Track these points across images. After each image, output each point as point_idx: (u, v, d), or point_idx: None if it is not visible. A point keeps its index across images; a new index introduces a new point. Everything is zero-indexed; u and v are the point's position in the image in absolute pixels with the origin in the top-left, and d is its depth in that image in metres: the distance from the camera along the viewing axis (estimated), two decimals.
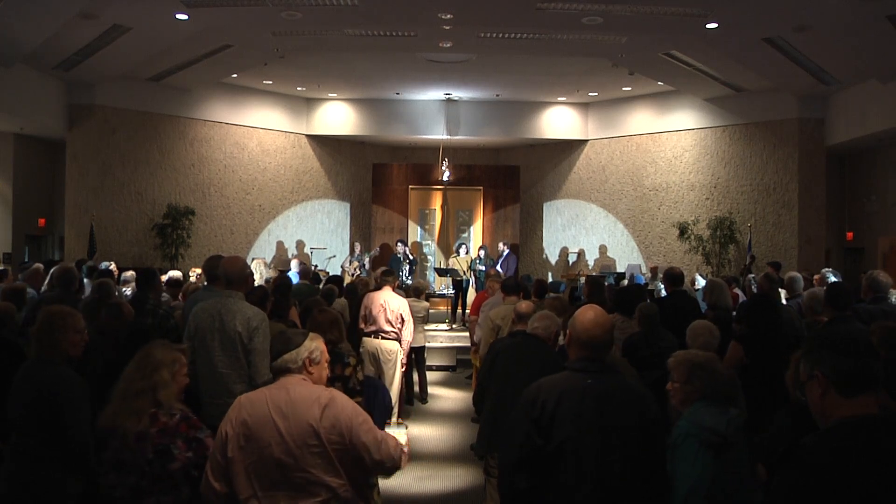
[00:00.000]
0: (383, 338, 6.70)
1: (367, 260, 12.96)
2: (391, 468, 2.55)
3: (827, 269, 6.98)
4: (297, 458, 2.41)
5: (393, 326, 6.70)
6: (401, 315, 6.75)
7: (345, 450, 2.44)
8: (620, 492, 2.49)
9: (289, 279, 7.04)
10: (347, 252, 15.25)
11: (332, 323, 3.95)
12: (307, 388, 2.53)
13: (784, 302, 6.53)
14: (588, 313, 2.70)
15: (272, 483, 2.42)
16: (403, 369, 6.99)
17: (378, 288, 7.07)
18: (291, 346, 2.57)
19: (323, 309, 4.29)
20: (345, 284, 8.55)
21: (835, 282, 5.72)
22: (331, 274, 11.63)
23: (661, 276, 11.21)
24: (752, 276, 8.88)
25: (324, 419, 2.43)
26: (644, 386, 3.16)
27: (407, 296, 7.86)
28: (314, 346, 2.61)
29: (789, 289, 6.87)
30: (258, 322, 3.72)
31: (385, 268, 7.96)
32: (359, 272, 12.33)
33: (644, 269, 13.46)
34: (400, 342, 6.75)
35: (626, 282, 10.31)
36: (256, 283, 5.69)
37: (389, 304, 6.73)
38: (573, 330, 2.69)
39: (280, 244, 14.65)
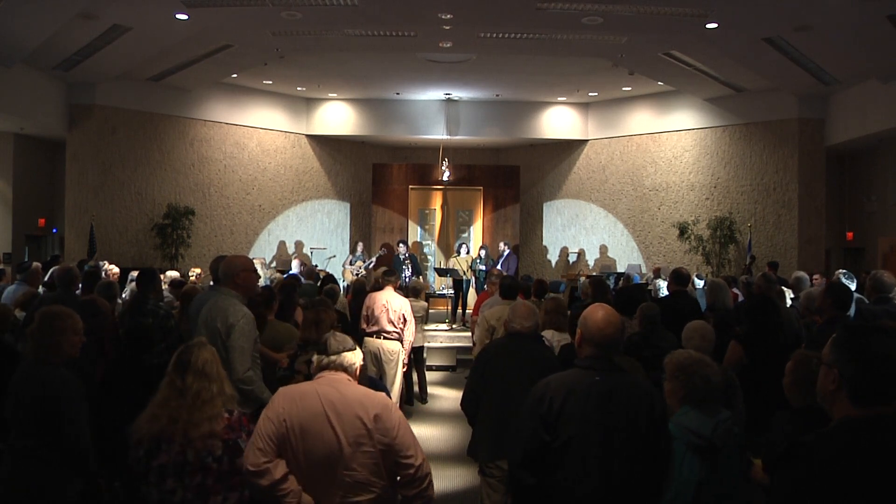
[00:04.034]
0: (385, 338, 6.69)
1: (373, 260, 12.93)
2: (426, 475, 2.57)
3: (841, 270, 6.90)
4: (346, 457, 2.45)
5: (395, 326, 6.70)
6: (403, 315, 6.75)
7: (389, 450, 2.50)
8: (624, 488, 2.51)
9: (297, 279, 7.04)
10: (348, 252, 15.27)
11: (315, 323, 3.93)
12: (357, 388, 2.60)
13: (789, 301, 6.50)
14: (599, 312, 2.71)
15: (317, 479, 2.45)
16: (405, 369, 6.99)
17: (380, 288, 7.07)
18: (350, 346, 2.68)
19: (317, 309, 4.26)
20: (347, 284, 8.54)
21: (837, 282, 5.70)
22: (328, 273, 11.64)
23: (663, 276, 11.24)
24: (744, 277, 8.86)
25: (377, 421, 2.49)
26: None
27: (405, 296, 7.84)
28: (361, 355, 2.74)
29: (795, 289, 6.85)
30: (235, 319, 3.70)
31: (386, 268, 7.96)
32: (362, 272, 12.32)
33: (644, 270, 13.46)
34: (402, 342, 6.75)
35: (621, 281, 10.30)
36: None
37: (392, 304, 6.73)
38: (584, 329, 2.71)
39: (282, 244, 14.65)
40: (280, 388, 2.67)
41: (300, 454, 2.45)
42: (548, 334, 5.01)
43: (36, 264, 6.93)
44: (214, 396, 2.71)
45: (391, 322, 6.68)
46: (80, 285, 6.07)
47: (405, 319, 6.76)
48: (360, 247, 13.46)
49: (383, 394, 2.65)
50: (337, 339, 2.70)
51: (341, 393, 2.53)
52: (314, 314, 4.01)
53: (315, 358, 2.69)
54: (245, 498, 2.68)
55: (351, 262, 13.04)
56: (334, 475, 2.45)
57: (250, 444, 2.48)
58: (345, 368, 2.63)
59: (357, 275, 11.87)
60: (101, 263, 9.09)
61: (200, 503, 2.63)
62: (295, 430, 2.45)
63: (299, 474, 2.46)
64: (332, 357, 2.63)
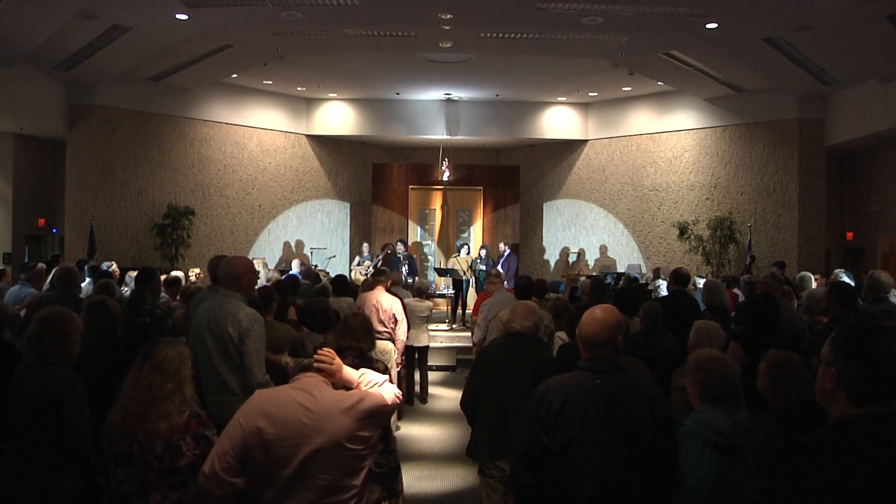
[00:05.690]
0: (376, 338, 6.65)
1: (380, 258, 12.87)
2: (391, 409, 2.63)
3: (840, 269, 6.92)
4: (323, 461, 2.39)
5: (386, 326, 6.66)
6: (393, 315, 6.72)
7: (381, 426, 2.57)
8: (625, 491, 2.50)
9: (296, 279, 7.04)
10: (348, 252, 15.27)
11: (366, 330, 3.82)
12: (332, 392, 2.52)
13: (797, 301, 6.49)
14: (593, 311, 2.71)
15: (291, 483, 2.39)
16: (398, 369, 6.96)
17: (371, 288, 7.05)
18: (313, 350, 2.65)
19: (357, 313, 4.16)
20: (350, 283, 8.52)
21: (841, 281, 5.70)
22: (332, 275, 11.61)
23: (663, 276, 11.24)
24: (746, 276, 8.85)
25: (359, 423, 2.45)
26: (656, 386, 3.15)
27: (410, 296, 7.85)
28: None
29: (799, 288, 6.86)
30: (248, 324, 3.69)
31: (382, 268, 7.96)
32: (371, 271, 12.27)
33: (644, 269, 13.46)
34: (394, 342, 6.73)
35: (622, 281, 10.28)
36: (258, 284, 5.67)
37: (382, 303, 6.71)
38: (577, 330, 2.72)
39: (286, 245, 14.65)
40: (256, 392, 2.60)
41: (272, 461, 2.38)
42: (562, 334, 5.01)
43: (41, 265, 6.88)
44: (168, 394, 2.71)
45: (381, 322, 6.65)
46: (79, 285, 6.06)
47: (396, 319, 6.73)
48: (365, 247, 13.41)
49: (353, 392, 2.58)
50: (312, 338, 2.67)
51: (317, 397, 2.46)
52: (363, 321, 3.86)
53: (292, 360, 2.64)
54: (188, 500, 2.66)
55: (358, 262, 13.00)
56: (309, 479, 2.39)
57: (220, 453, 2.37)
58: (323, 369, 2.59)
59: (366, 275, 11.83)
60: (109, 264, 9.06)
61: (141, 498, 2.64)
62: (270, 439, 2.37)
63: (272, 478, 2.39)
64: (306, 361, 2.59)
